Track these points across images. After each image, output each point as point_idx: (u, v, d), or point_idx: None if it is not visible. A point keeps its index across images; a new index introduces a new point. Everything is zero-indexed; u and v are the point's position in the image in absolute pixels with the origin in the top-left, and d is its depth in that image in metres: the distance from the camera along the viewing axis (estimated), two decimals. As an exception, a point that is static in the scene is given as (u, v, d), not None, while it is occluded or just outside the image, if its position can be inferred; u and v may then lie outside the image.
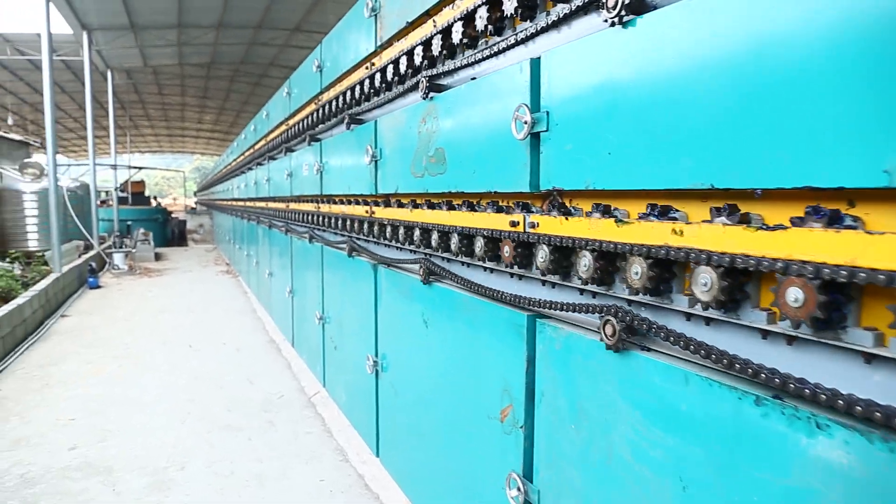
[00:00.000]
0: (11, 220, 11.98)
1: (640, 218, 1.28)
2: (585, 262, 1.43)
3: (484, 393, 1.99)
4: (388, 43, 2.81)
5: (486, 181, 1.88)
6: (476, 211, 2.02)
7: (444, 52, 2.22)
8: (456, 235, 2.12)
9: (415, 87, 2.44)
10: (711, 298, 1.09)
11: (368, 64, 3.14)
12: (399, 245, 2.75)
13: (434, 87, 2.30)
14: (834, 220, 0.93)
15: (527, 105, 1.60)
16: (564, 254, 1.58)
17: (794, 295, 0.95)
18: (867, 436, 0.87)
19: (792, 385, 0.97)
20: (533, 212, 1.75)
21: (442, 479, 2.38)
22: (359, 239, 3.44)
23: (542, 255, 1.61)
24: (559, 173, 1.54)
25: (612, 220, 1.33)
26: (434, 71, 2.26)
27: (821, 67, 0.90)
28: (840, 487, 0.90)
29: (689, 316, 1.24)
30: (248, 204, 9.01)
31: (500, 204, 1.93)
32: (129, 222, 18.01)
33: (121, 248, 13.33)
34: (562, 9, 1.52)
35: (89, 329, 7.09)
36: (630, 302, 1.40)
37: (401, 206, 2.70)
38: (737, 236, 1.03)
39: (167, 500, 3.06)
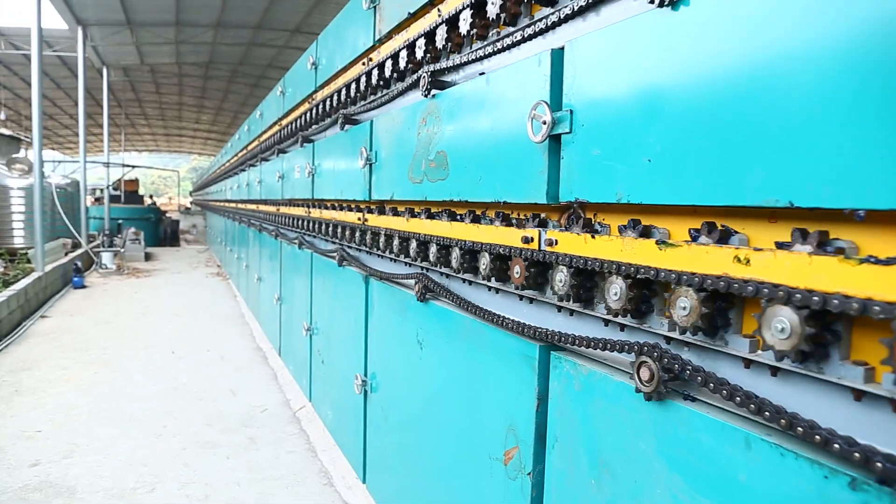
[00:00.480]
0: (-3, 216, 11.68)
1: (692, 240, 1.05)
2: (616, 289, 1.19)
3: (485, 429, 1.75)
4: (388, 36, 2.58)
5: (494, 189, 1.65)
6: (481, 223, 1.78)
7: (450, 44, 1.99)
8: (457, 250, 1.88)
9: (415, 84, 2.21)
10: (790, 347, 0.85)
11: (366, 59, 2.91)
12: (393, 257, 2.51)
13: (437, 83, 2.06)
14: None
15: (546, 103, 1.37)
16: (587, 277, 1.34)
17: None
18: None
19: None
20: (549, 226, 1.52)
21: (434, 520, 2.13)
22: (350, 248, 3.20)
23: (561, 277, 1.37)
24: (583, 183, 1.31)
25: (653, 241, 1.09)
26: (437, 66, 2.03)
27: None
28: None
29: (748, 363, 1.00)
30: (239, 206, 8.75)
31: (510, 216, 1.70)
32: (120, 221, 17.70)
33: (110, 247, 13.03)
34: (591, -10, 1.30)
35: (69, 331, 6.79)
36: (669, 339, 1.16)
37: (396, 214, 2.46)
38: (830, 269, 0.79)
39: (132, 529, 2.79)
